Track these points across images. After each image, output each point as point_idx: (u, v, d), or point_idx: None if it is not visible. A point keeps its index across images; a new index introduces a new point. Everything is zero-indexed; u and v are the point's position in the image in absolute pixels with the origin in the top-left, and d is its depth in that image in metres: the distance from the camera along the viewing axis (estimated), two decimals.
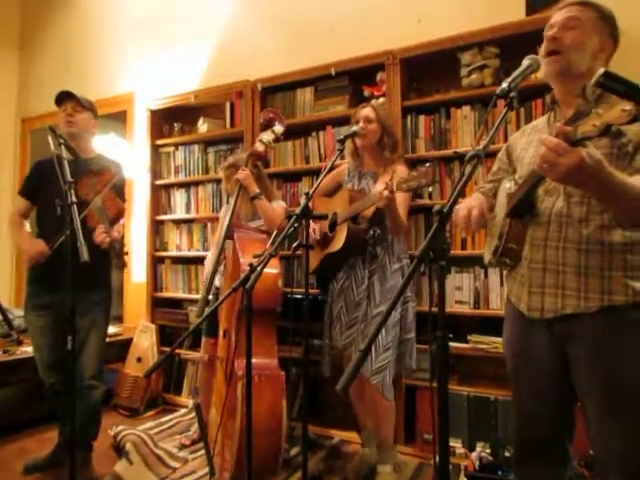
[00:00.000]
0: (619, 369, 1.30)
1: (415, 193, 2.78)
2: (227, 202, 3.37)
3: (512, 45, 2.49)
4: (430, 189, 2.76)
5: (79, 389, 2.28)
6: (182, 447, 2.85)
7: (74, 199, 1.88)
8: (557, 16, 1.45)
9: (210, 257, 3.03)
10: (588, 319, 1.33)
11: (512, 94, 1.25)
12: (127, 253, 2.25)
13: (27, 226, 2.63)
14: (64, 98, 2.54)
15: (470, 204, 1.49)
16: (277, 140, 2.79)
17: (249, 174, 2.69)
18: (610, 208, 1.27)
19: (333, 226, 2.51)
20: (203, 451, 2.62)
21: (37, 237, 2.51)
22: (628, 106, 0.95)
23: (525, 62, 1.34)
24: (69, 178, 1.94)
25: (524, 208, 1.42)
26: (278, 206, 2.81)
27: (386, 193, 2.07)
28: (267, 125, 2.79)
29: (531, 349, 1.47)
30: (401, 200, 2.33)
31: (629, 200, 1.17)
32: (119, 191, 2.46)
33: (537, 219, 1.42)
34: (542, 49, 1.45)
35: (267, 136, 2.73)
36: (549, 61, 1.42)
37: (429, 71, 2.95)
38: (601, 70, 0.96)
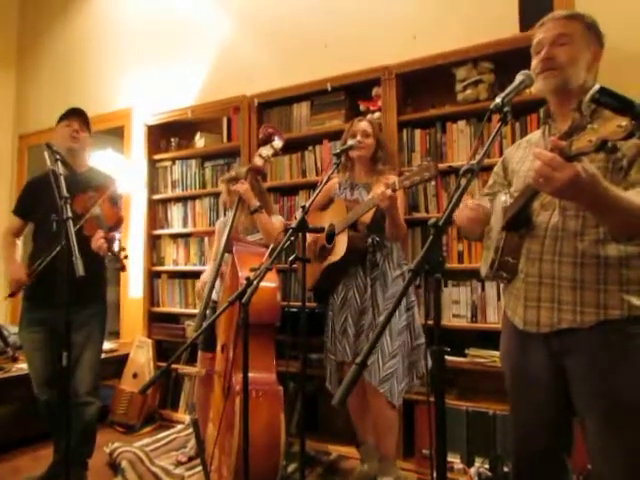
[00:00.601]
0: (616, 384, 1.30)
1: (411, 202, 2.79)
2: (224, 215, 3.38)
3: (506, 60, 2.51)
4: (433, 182, 2.75)
5: (74, 406, 2.26)
6: (179, 464, 2.81)
7: (70, 214, 1.89)
8: (544, 32, 1.45)
9: (208, 271, 3.02)
10: (584, 334, 1.33)
11: (506, 109, 1.26)
12: (127, 257, 2.25)
13: (19, 245, 2.64)
14: (72, 114, 2.55)
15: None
16: (276, 155, 2.81)
17: (249, 188, 2.69)
18: (605, 222, 1.27)
19: (330, 238, 2.51)
20: (200, 468, 2.59)
21: (32, 253, 2.51)
22: (624, 122, 0.95)
23: (518, 77, 1.35)
24: (65, 193, 1.94)
25: (520, 221, 1.42)
26: (277, 220, 2.82)
27: (389, 192, 2.08)
28: (266, 140, 2.81)
29: (528, 363, 1.46)
30: (400, 202, 2.34)
31: (623, 214, 1.18)
32: (116, 200, 2.49)
33: (533, 232, 1.42)
34: (534, 67, 1.46)
35: (266, 151, 2.75)
36: (546, 76, 1.42)
37: (425, 86, 2.97)
38: (596, 86, 0.97)
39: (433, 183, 2.79)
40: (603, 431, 1.32)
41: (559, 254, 1.37)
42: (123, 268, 2.26)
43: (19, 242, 2.66)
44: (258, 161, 2.74)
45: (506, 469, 2.37)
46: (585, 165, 1.10)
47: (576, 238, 1.34)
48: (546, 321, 1.39)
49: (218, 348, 2.63)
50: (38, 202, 2.49)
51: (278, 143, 2.76)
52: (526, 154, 1.55)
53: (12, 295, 2.48)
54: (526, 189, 1.36)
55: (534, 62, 1.46)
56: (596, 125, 1.01)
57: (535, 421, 1.48)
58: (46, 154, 2.13)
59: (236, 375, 2.26)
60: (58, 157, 2.10)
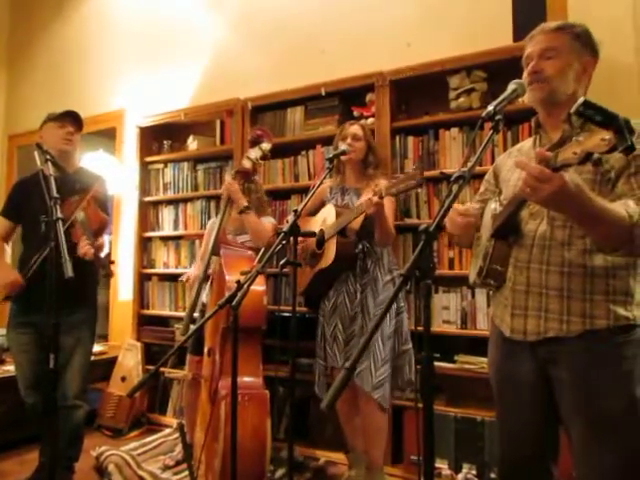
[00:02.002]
0: (601, 393, 1.31)
1: (403, 207, 2.80)
2: (216, 216, 3.37)
3: (499, 69, 2.53)
4: (419, 190, 2.73)
5: (61, 409, 2.24)
6: (166, 468, 2.79)
7: (60, 215, 1.87)
8: (533, 46, 1.47)
9: (194, 271, 3.00)
10: (571, 342, 1.34)
11: (498, 117, 1.27)
12: (113, 262, 2.23)
13: (7, 249, 2.60)
14: (67, 116, 2.53)
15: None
16: (264, 157, 2.79)
17: (237, 188, 2.69)
18: (590, 233, 1.28)
19: (320, 244, 2.51)
20: (187, 472, 2.57)
21: (22, 256, 2.48)
22: (607, 135, 0.96)
23: (511, 86, 1.36)
24: (55, 194, 1.92)
25: (508, 230, 1.43)
26: (267, 222, 2.81)
27: (375, 199, 2.09)
28: (255, 142, 2.80)
29: (515, 371, 1.47)
30: (388, 208, 2.34)
31: (608, 225, 1.19)
32: (102, 204, 2.46)
33: (521, 241, 1.43)
34: (524, 80, 1.47)
35: (254, 153, 2.74)
36: (533, 88, 1.44)
37: (418, 93, 2.99)
38: (581, 99, 0.98)
39: (424, 190, 2.80)
40: (587, 438, 1.33)
41: (546, 263, 1.38)
42: (110, 275, 2.24)
43: (8, 248, 2.61)
44: (246, 163, 2.73)
45: (493, 475, 2.37)
46: (571, 176, 1.11)
47: (563, 247, 1.36)
48: (533, 329, 1.40)
49: (205, 352, 2.61)
50: (27, 203, 2.46)
51: (266, 145, 2.75)
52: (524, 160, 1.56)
53: (8, 298, 2.44)
54: (514, 198, 1.37)
55: (524, 75, 1.48)
56: (581, 138, 1.02)
57: (521, 428, 1.48)
58: (36, 154, 2.11)
59: (222, 380, 2.25)
60: (48, 157, 2.08)
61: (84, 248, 2.14)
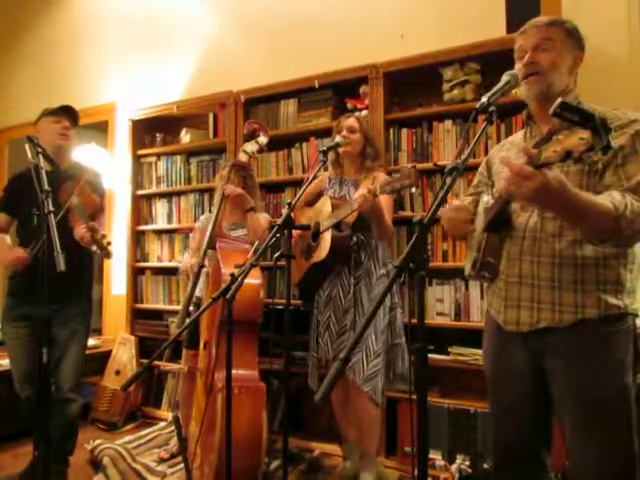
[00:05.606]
0: (592, 382, 1.32)
1: (397, 199, 2.80)
2: (209, 209, 3.35)
3: (493, 61, 2.53)
4: (413, 190, 2.75)
5: (56, 402, 2.24)
6: (161, 461, 2.80)
7: (51, 208, 1.85)
8: (526, 39, 1.47)
9: (187, 259, 2.97)
10: (562, 332, 1.36)
11: (491, 108, 1.27)
12: (110, 243, 2.24)
13: (7, 239, 2.59)
14: (63, 111, 2.51)
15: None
16: (260, 151, 2.79)
17: (242, 191, 2.69)
18: (577, 226, 1.30)
19: (316, 236, 2.51)
20: (182, 465, 2.57)
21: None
22: (585, 135, 0.97)
23: (504, 78, 1.37)
24: (47, 187, 1.91)
25: (500, 222, 1.44)
26: (263, 219, 2.81)
27: (370, 197, 2.09)
28: (251, 136, 2.79)
29: (509, 362, 1.49)
30: (385, 203, 2.34)
31: (593, 218, 1.20)
32: (95, 187, 2.46)
33: (513, 233, 1.45)
34: (518, 72, 1.47)
35: (251, 147, 2.73)
36: (529, 81, 1.44)
37: (412, 85, 2.99)
38: (558, 100, 0.99)
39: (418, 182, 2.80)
40: (579, 427, 1.35)
41: (537, 255, 1.39)
42: (109, 255, 2.25)
43: (7, 238, 2.60)
44: (242, 157, 2.72)
45: (486, 466, 2.39)
46: (554, 172, 1.11)
47: (554, 239, 1.37)
48: (526, 320, 1.41)
49: (201, 345, 2.61)
50: (23, 197, 2.45)
51: (263, 139, 2.75)
52: (509, 155, 1.57)
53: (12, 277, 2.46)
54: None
55: (517, 67, 1.48)
56: (561, 136, 1.03)
57: (515, 418, 1.50)
58: (27, 147, 2.09)
59: (218, 372, 2.25)
60: (40, 150, 2.06)
61: (80, 232, 2.15)
